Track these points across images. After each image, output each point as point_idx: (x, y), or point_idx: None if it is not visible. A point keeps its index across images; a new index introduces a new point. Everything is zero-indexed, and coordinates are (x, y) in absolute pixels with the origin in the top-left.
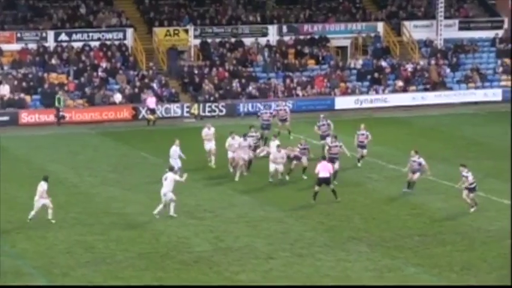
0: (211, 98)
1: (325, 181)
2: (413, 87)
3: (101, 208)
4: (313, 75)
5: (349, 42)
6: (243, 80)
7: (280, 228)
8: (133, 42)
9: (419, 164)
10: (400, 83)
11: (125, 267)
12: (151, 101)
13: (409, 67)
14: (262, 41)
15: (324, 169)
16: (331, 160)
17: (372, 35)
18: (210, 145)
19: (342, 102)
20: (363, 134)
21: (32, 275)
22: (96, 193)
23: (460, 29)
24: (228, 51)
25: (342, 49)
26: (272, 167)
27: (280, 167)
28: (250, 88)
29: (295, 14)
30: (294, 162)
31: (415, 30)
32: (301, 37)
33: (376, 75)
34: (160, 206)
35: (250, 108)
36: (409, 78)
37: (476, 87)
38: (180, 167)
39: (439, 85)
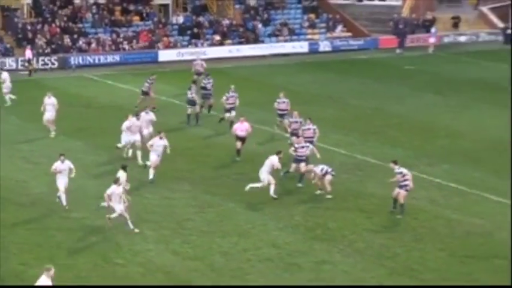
0: (45, 52)
1: (242, 140)
2: (230, 41)
3: None
4: (138, 30)
5: (170, 0)
6: (74, 35)
7: (110, 170)
8: None
9: None
10: (217, 37)
11: None
12: (28, 53)
13: (226, 23)
14: None
15: (241, 129)
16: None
17: None
18: (49, 114)
19: (165, 55)
20: (283, 102)
21: None
22: None
23: None
24: (58, 9)
25: (164, 6)
26: (153, 156)
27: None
28: (80, 42)
29: None
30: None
31: None
32: None
33: (195, 30)
34: (272, 187)
35: (80, 61)
36: (226, 33)
37: (285, 40)
38: (132, 142)
39: (252, 38)
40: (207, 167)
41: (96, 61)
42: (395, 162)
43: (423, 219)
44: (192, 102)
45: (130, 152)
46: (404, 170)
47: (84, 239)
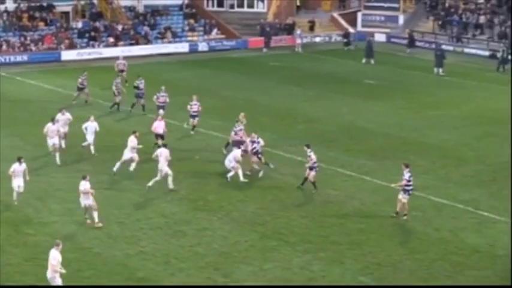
0: None
1: (161, 136)
2: (122, 43)
3: None
4: (43, 34)
5: (70, 8)
6: None
7: (22, 154)
8: None
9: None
10: (111, 39)
11: None
12: None
13: (119, 27)
14: (1, 7)
15: (159, 126)
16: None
17: (88, 2)
18: None
19: (67, 55)
20: (195, 104)
21: None
22: None
23: None
24: None
25: (65, 14)
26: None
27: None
28: None
29: None
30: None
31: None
32: (33, 4)
33: (92, 33)
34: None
35: None
36: (119, 36)
37: (169, 42)
38: (90, 143)
39: (141, 40)
40: (106, 150)
41: (7, 60)
42: (307, 146)
43: (289, 191)
44: (116, 93)
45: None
46: (312, 154)
47: None
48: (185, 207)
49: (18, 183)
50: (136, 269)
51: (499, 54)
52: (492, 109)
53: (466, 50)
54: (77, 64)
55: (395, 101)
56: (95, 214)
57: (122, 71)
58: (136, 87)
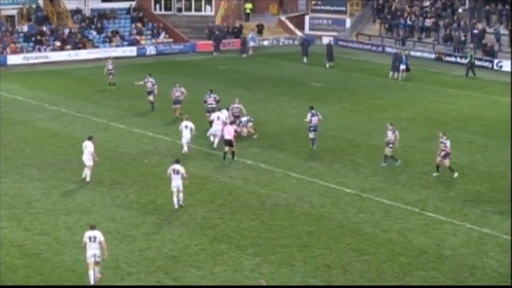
0: None
1: (229, 143)
2: (69, 46)
3: None
4: None
5: (16, 12)
6: None
7: None
8: None
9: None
10: (58, 43)
11: None
12: None
13: (66, 31)
14: None
15: (227, 132)
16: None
17: (34, 6)
18: None
19: (13, 59)
20: (236, 107)
21: None
22: None
23: (103, 0)
24: None
25: (11, 17)
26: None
27: None
28: None
29: None
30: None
31: (68, 3)
32: None
33: (39, 37)
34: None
35: None
36: (66, 40)
37: (117, 46)
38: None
39: (88, 44)
40: (52, 154)
41: None
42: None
43: (238, 195)
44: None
45: None
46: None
47: None
48: (134, 212)
49: None
50: (86, 274)
51: (466, 60)
52: (437, 111)
53: (412, 53)
54: (23, 68)
55: (342, 103)
56: None
57: (110, 73)
58: (205, 102)
